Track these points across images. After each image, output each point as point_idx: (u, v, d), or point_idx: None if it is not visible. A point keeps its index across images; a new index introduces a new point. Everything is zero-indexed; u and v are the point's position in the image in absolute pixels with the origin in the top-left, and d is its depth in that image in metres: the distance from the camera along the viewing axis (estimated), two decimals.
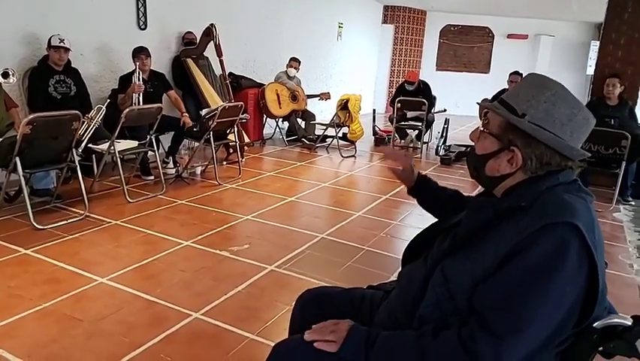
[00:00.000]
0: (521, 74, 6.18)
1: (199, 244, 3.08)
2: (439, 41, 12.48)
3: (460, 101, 11.27)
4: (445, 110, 7.27)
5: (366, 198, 4.47)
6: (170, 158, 4.82)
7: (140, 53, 4.55)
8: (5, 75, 3.31)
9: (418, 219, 3.78)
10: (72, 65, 4.18)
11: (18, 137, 2.97)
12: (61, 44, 3.95)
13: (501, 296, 0.93)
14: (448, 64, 12.60)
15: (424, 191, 1.50)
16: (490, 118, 1.09)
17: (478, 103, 1.30)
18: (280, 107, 6.68)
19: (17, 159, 3.03)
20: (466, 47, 12.57)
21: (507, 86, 6.23)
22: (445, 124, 6.94)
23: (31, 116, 3.00)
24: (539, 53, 12.06)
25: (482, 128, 1.10)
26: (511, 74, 6.28)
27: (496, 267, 0.95)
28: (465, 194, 1.49)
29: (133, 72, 4.45)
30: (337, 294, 1.39)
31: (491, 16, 11.91)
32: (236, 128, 4.89)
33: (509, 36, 12.22)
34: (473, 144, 1.14)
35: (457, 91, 11.54)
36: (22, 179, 3.11)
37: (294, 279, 2.68)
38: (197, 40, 5.53)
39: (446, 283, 1.03)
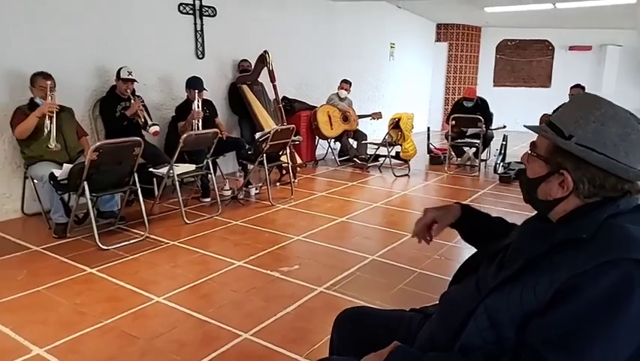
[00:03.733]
0: (583, 87, 5.88)
1: (251, 265, 3.14)
2: (496, 57, 12.16)
3: (519, 117, 10.85)
4: (504, 127, 7.04)
5: None
6: (227, 180, 4.97)
7: (195, 87, 4.64)
8: None
9: None
10: (136, 93, 4.45)
11: (86, 162, 3.20)
12: (130, 77, 4.25)
13: (561, 334, 0.86)
14: (505, 79, 12.22)
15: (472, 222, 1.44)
16: (537, 141, 1.05)
17: (525, 125, 1.25)
18: (332, 129, 6.75)
19: (85, 184, 3.26)
20: (525, 62, 12.15)
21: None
22: (503, 141, 6.71)
23: (97, 143, 3.23)
24: (605, 64, 11.39)
25: (530, 152, 1.06)
26: (572, 88, 6.00)
27: (550, 299, 0.89)
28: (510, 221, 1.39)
29: (187, 101, 4.69)
30: (374, 314, 1.39)
31: (550, 28, 11.46)
32: (288, 150, 4.98)
33: (571, 48, 11.67)
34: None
35: (517, 107, 11.12)
36: (90, 202, 3.33)
37: (344, 301, 2.65)
38: (252, 68, 5.73)
39: (487, 312, 0.99)
